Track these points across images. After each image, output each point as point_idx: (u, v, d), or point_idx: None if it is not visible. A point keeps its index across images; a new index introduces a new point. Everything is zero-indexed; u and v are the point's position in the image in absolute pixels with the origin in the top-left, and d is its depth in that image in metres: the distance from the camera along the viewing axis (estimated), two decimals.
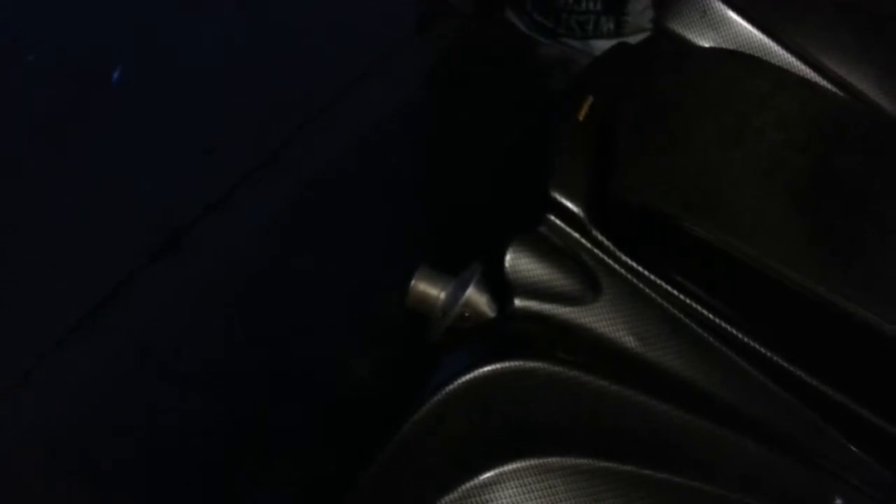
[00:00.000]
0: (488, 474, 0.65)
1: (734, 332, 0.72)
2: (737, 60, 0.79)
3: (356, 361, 1.17)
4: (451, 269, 0.77)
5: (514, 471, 0.65)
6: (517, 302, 0.72)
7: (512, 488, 0.65)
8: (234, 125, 1.46)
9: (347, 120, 1.44)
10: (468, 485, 0.65)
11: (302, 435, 1.14)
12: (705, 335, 0.72)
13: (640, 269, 0.73)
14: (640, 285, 0.73)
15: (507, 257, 0.72)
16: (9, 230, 1.36)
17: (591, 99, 0.78)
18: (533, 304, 0.72)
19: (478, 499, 0.65)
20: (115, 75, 1.52)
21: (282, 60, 1.54)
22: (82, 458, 1.14)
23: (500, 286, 0.73)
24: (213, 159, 1.42)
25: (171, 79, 1.53)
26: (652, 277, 0.73)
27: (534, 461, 0.65)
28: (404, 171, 1.34)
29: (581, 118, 0.78)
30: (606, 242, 0.74)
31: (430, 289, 0.76)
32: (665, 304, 0.73)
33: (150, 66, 1.55)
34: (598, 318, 0.72)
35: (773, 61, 0.79)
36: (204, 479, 1.12)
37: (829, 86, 0.79)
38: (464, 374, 0.67)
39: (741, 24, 0.80)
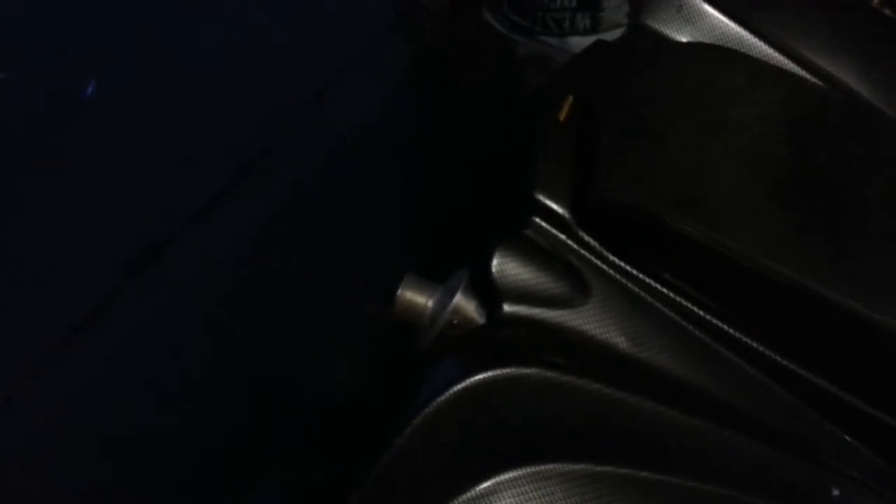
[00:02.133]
0: (485, 484, 0.64)
1: (726, 328, 0.71)
2: (714, 54, 0.79)
3: (346, 367, 1.16)
4: (436, 275, 0.77)
5: (511, 479, 0.64)
6: (506, 307, 0.71)
7: (509, 497, 0.64)
8: (213, 132, 1.45)
9: (327, 124, 1.43)
10: (465, 496, 0.64)
11: (294, 442, 1.13)
12: (697, 332, 0.72)
13: (629, 268, 0.73)
14: (629, 285, 0.73)
15: (494, 262, 0.71)
16: None
17: (570, 98, 0.78)
18: (522, 309, 0.71)
19: None
20: (89, 90, 1.51)
21: (258, 65, 1.53)
22: (72, 474, 1.13)
23: (488, 292, 0.72)
24: (194, 168, 1.41)
25: (147, 89, 1.52)
26: (640, 276, 0.73)
27: (530, 469, 0.65)
28: (385, 176, 1.32)
29: (562, 118, 0.77)
30: (593, 243, 0.73)
31: (417, 297, 0.75)
32: (655, 303, 0.72)
33: (127, 77, 1.53)
34: (588, 320, 0.71)
35: (750, 53, 0.79)
36: (197, 489, 1.12)
37: (807, 75, 0.78)
38: (455, 383, 0.66)
39: (717, 18, 0.80)
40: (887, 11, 0.82)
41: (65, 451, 1.15)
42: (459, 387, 0.66)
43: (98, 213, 1.37)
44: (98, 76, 1.51)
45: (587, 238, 0.73)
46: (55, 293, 1.28)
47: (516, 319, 0.71)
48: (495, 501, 0.64)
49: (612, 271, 0.73)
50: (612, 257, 0.73)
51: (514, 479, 0.65)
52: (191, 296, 1.28)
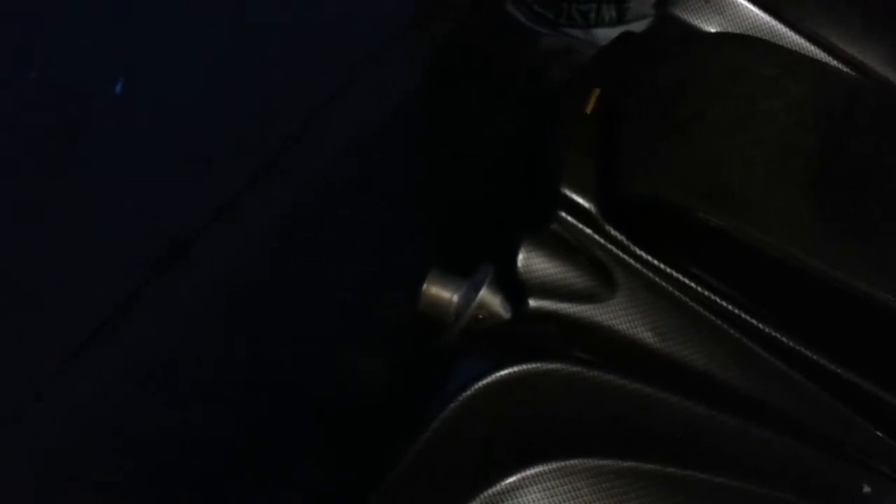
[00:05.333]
0: (510, 479, 0.64)
1: (755, 322, 0.70)
2: (743, 44, 0.78)
3: (368, 366, 1.16)
4: (460, 271, 0.76)
5: (537, 475, 0.64)
6: (532, 302, 0.70)
7: (535, 493, 0.64)
8: (232, 132, 1.45)
9: (346, 121, 1.42)
10: (490, 491, 0.64)
11: (309, 444, 1.13)
12: (725, 327, 0.71)
13: (656, 262, 0.72)
14: (657, 279, 0.72)
15: (520, 257, 0.71)
16: (11, 250, 1.35)
17: (597, 91, 0.77)
18: (548, 304, 0.71)
19: None
20: (118, 88, 1.51)
21: (277, 62, 1.52)
22: (87, 480, 1.14)
23: (514, 286, 0.72)
24: (213, 168, 1.41)
25: (167, 88, 1.52)
26: (668, 270, 0.72)
27: (556, 464, 0.64)
28: (406, 172, 1.32)
29: (588, 111, 0.76)
30: (620, 237, 0.72)
31: (442, 292, 0.75)
32: (683, 297, 0.72)
33: (139, 81, 1.54)
34: (615, 315, 0.71)
35: (780, 43, 0.78)
36: (217, 488, 1.12)
37: (839, 66, 0.77)
38: (481, 378, 0.66)
39: (746, 7, 0.79)
40: None
41: (88, 449, 1.16)
42: (485, 382, 0.66)
43: (122, 211, 1.37)
44: (122, 75, 1.52)
45: (614, 232, 0.73)
46: (80, 291, 1.29)
47: (542, 314, 0.70)
48: (521, 497, 0.64)
49: (639, 265, 0.72)
50: (639, 251, 0.72)
51: (540, 474, 0.64)
52: (213, 294, 1.28)
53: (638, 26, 0.91)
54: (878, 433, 0.70)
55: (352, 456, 1.06)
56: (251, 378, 1.20)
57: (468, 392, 0.66)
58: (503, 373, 0.66)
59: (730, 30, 0.79)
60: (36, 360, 1.23)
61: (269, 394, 1.18)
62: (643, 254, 0.72)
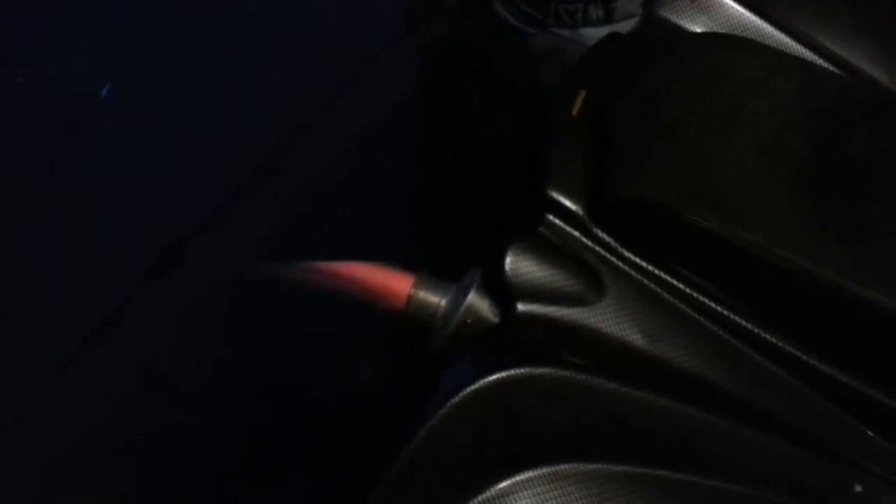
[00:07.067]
0: (501, 485, 0.64)
1: (744, 323, 0.70)
2: (730, 44, 0.77)
3: (364, 368, 1.17)
4: (449, 274, 0.76)
5: (527, 480, 0.64)
6: (520, 306, 0.70)
7: (526, 498, 0.64)
8: (227, 136, 1.45)
9: (341, 124, 1.43)
10: (481, 497, 0.64)
11: (313, 443, 1.13)
12: (715, 329, 0.71)
13: (644, 264, 0.72)
14: (645, 281, 0.72)
15: (507, 261, 0.71)
16: (11, 250, 1.36)
17: (584, 93, 0.77)
18: (536, 308, 0.70)
19: None
20: (105, 91, 1.52)
21: (273, 66, 1.53)
22: (87, 481, 1.15)
23: (502, 290, 0.72)
24: (208, 172, 1.42)
25: (162, 92, 1.52)
26: (657, 273, 0.72)
27: (546, 469, 0.64)
28: (399, 175, 1.32)
29: (575, 113, 0.76)
30: (608, 239, 0.72)
31: (430, 296, 0.74)
32: (671, 300, 0.71)
33: (139, 81, 1.54)
34: (603, 318, 0.71)
35: (767, 43, 0.78)
36: (216, 489, 1.13)
37: (826, 64, 0.77)
38: (469, 384, 0.66)
39: (733, 7, 0.79)
40: None
41: (87, 449, 1.16)
42: (474, 387, 0.66)
43: (122, 212, 1.38)
44: (113, 79, 1.52)
45: (602, 234, 0.72)
46: (80, 292, 1.30)
47: (530, 318, 0.70)
48: (512, 502, 0.64)
49: (627, 268, 0.72)
50: (627, 254, 0.72)
51: (530, 479, 0.64)
52: (213, 294, 1.29)
53: (626, 25, 0.90)
54: (869, 433, 0.70)
55: (352, 456, 1.06)
56: (251, 379, 1.21)
57: (456, 398, 0.66)
58: (492, 378, 0.66)
59: (716, 30, 0.79)
60: (36, 361, 1.24)
61: (268, 394, 1.19)
62: (631, 256, 0.72)
